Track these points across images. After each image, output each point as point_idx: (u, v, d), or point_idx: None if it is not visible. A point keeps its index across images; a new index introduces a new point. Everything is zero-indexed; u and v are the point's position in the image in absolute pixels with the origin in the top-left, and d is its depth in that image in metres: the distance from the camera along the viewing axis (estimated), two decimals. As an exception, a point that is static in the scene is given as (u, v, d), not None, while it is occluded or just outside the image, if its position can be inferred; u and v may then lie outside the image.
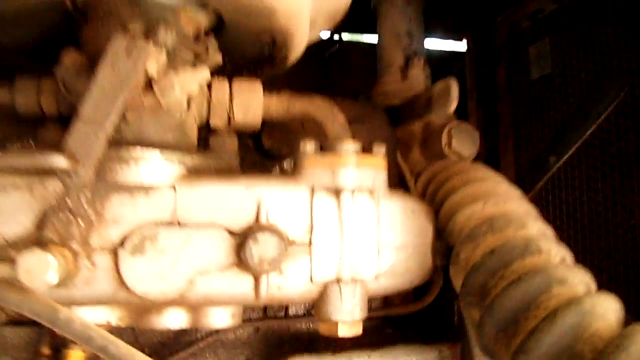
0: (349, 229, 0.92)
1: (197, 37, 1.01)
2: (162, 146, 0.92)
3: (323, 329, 0.94)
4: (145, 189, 0.87)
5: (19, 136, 1.14)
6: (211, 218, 0.88)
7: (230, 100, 1.02)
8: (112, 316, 0.94)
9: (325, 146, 0.94)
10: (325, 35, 1.74)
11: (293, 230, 0.90)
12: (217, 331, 1.21)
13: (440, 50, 2.24)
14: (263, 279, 0.89)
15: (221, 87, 1.03)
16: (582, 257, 1.52)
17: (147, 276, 0.85)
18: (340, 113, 1.01)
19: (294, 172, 0.95)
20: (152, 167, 0.88)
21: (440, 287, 1.18)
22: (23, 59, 1.14)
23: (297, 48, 1.10)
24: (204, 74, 0.92)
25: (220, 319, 0.98)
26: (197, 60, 0.98)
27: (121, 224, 0.85)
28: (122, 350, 0.75)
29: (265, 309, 1.28)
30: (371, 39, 2.03)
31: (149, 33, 0.88)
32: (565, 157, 1.39)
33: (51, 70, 0.99)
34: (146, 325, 0.95)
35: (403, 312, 1.24)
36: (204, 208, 0.88)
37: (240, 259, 0.86)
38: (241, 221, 0.89)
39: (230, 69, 1.12)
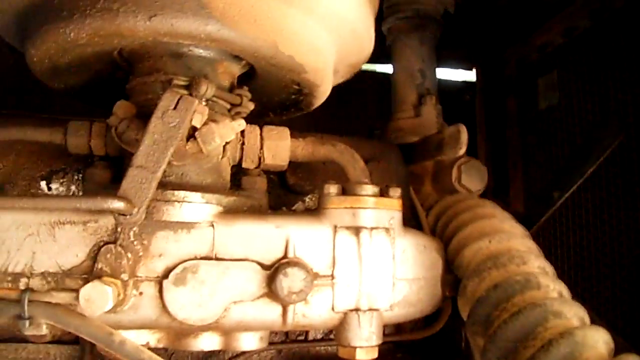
0: (367, 264, 1.02)
1: (231, 88, 1.12)
2: (201, 187, 1.03)
3: (342, 353, 1.04)
4: (187, 227, 0.98)
5: (66, 171, 1.26)
6: (245, 252, 0.98)
7: (261, 144, 1.13)
8: (152, 338, 1.04)
9: (347, 189, 1.05)
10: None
11: (317, 265, 1.01)
12: (243, 353, 1.30)
13: (452, 81, 2.32)
14: (290, 308, 0.99)
15: (253, 132, 1.14)
16: (589, 286, 1.59)
17: (188, 304, 0.95)
18: (360, 159, 1.11)
19: (318, 211, 1.05)
20: (193, 207, 0.98)
21: (449, 315, 1.27)
22: (75, 101, 1.25)
23: (322, 96, 1.20)
24: (241, 125, 1.03)
25: (250, 342, 1.07)
26: (232, 109, 1.09)
27: (165, 258, 0.96)
28: (168, 371, 0.85)
29: (287, 333, 1.38)
30: (385, 68, 2.12)
31: (192, 86, 0.99)
32: (568, 193, 1.48)
33: (99, 111, 1.10)
34: (183, 347, 1.05)
35: (414, 338, 1.33)
36: (239, 243, 0.99)
37: (271, 290, 0.96)
38: (271, 256, 0.99)
39: (259, 110, 1.23)
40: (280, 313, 0.99)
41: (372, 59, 2.08)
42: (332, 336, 1.38)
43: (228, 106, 1.09)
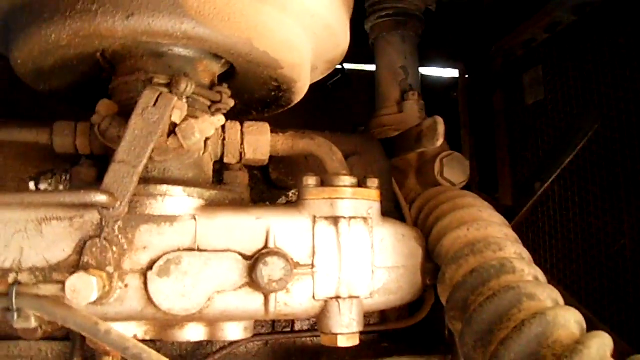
0: (346, 253, 1.05)
1: (211, 85, 1.15)
2: (183, 182, 1.06)
3: (325, 340, 1.07)
4: (170, 220, 1.00)
5: (53, 172, 1.29)
6: (226, 244, 1.01)
7: (242, 140, 1.16)
8: (139, 330, 1.07)
9: (325, 180, 1.08)
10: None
11: (297, 254, 1.04)
12: (230, 345, 1.33)
13: (438, 78, 2.34)
14: (272, 297, 1.02)
15: (234, 128, 1.17)
16: (577, 277, 1.61)
17: (172, 295, 0.98)
18: (338, 151, 1.14)
19: (297, 203, 1.08)
20: (175, 200, 1.01)
21: (431, 305, 1.30)
22: (59, 103, 1.28)
23: (300, 91, 1.23)
24: (220, 120, 1.06)
25: (234, 332, 1.10)
26: (213, 105, 1.12)
27: (149, 250, 0.99)
28: (153, 358, 0.88)
29: (273, 324, 1.40)
30: (371, 67, 2.15)
31: (172, 84, 1.02)
32: (548, 183, 1.50)
33: (83, 112, 1.13)
34: (169, 338, 1.08)
35: (398, 327, 1.35)
36: (221, 235, 1.01)
37: (252, 279, 0.99)
38: (252, 246, 1.02)
39: (240, 108, 1.26)
40: (262, 302, 1.02)
41: (359, 59, 2.15)
42: (317, 327, 1.40)
43: (208, 103, 1.12)
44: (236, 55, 1.05)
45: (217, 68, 1.16)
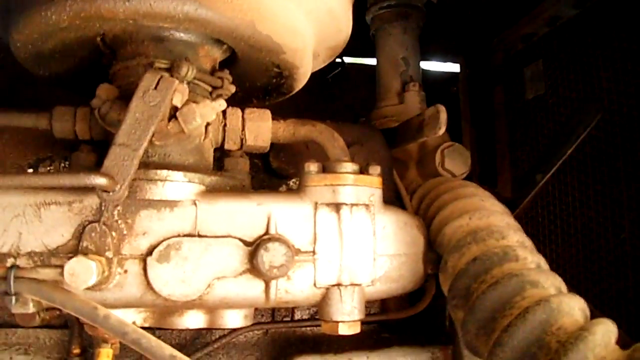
0: (347, 240, 1.04)
1: (212, 71, 1.14)
2: (184, 167, 1.05)
3: (325, 328, 1.06)
4: (170, 205, 0.99)
5: (52, 159, 1.28)
6: (227, 230, 1.00)
7: (243, 126, 1.15)
8: (138, 317, 1.06)
9: (327, 167, 1.07)
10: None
11: (299, 241, 1.03)
12: (229, 334, 1.32)
13: (438, 72, 2.34)
14: (272, 284, 1.01)
15: (235, 114, 1.16)
16: (576, 271, 1.61)
17: (171, 281, 0.97)
18: (340, 137, 1.13)
19: (299, 189, 1.07)
20: (175, 185, 1.00)
21: (432, 295, 1.29)
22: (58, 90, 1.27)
23: (302, 78, 1.22)
24: (221, 105, 1.05)
25: (234, 320, 1.09)
26: (214, 91, 1.11)
27: (149, 235, 0.98)
28: (152, 343, 0.87)
29: (273, 313, 1.39)
30: (371, 61, 2.14)
31: (173, 69, 1.01)
32: (549, 174, 1.49)
33: (83, 99, 1.12)
34: (168, 325, 1.07)
35: (399, 317, 1.34)
36: (221, 221, 1.00)
37: (253, 266, 0.98)
38: (253, 232, 1.01)
39: (241, 96, 1.25)
40: (262, 289, 1.01)
41: (359, 53, 2.14)
42: (317, 317, 1.39)
43: (209, 89, 1.11)
44: (238, 39, 1.04)
45: (218, 54, 1.15)
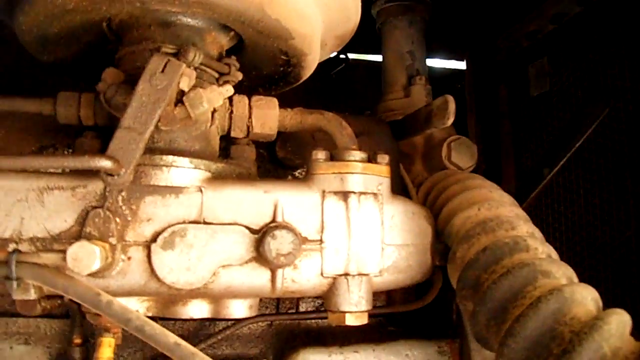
0: (355, 229, 1.02)
1: (219, 57, 1.12)
2: (190, 153, 1.03)
3: (332, 319, 1.04)
4: (176, 191, 0.98)
5: (56, 147, 1.26)
6: (233, 217, 0.98)
7: (250, 113, 1.14)
8: (141, 306, 1.04)
9: (335, 155, 1.05)
10: (332, 55, 1.84)
11: (306, 229, 1.01)
12: (233, 325, 1.30)
13: (442, 69, 2.33)
14: (279, 273, 0.99)
15: (242, 102, 1.14)
16: (581, 269, 1.60)
17: (176, 268, 0.95)
18: (348, 126, 1.12)
19: (306, 177, 1.06)
20: (181, 171, 0.99)
21: (439, 288, 1.27)
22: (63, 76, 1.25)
23: (310, 67, 1.21)
24: (229, 91, 1.03)
25: (239, 310, 1.07)
26: (221, 78, 1.09)
27: (154, 222, 0.96)
28: (156, 330, 0.85)
29: (277, 305, 1.38)
30: (375, 58, 2.13)
31: (180, 53, 0.99)
32: (557, 168, 1.48)
33: (88, 86, 1.10)
34: (172, 315, 1.05)
35: (405, 310, 1.33)
36: (227, 208, 0.99)
37: (259, 254, 0.96)
38: (260, 220, 0.99)
39: (247, 85, 1.24)
40: (269, 278, 0.99)
41: (363, 49, 2.12)
42: (322, 309, 1.38)
43: (216, 75, 1.09)
44: (246, 23, 1.02)
45: (225, 40, 1.13)
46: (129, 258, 0.95)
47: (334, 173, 1.03)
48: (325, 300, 1.04)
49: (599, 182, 1.58)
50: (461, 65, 2.34)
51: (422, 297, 1.29)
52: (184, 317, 1.05)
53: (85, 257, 0.86)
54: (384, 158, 1.07)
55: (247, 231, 0.98)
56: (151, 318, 0.88)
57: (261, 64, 1.20)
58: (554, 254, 1.01)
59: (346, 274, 1.02)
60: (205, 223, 0.97)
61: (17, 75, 1.47)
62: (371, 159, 1.06)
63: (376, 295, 1.09)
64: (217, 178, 1.03)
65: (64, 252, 0.88)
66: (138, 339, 0.89)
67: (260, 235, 0.97)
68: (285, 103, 1.19)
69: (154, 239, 0.95)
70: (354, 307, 1.02)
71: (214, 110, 1.08)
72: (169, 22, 1.06)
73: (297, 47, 1.11)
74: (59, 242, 0.94)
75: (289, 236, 0.96)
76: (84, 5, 0.96)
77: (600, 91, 1.58)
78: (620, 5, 1.54)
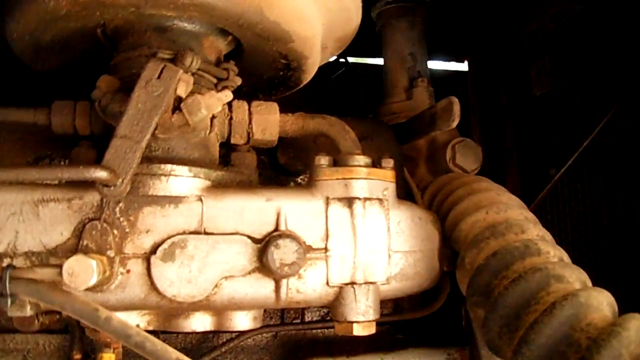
0: (361, 236, 0.99)
1: (218, 62, 1.09)
2: (189, 162, 1.00)
3: (339, 329, 1.01)
4: (175, 201, 0.95)
5: (52, 157, 1.23)
6: (235, 226, 0.95)
7: (250, 119, 1.11)
8: (142, 320, 1.02)
9: (338, 160, 1.02)
10: (332, 59, 1.82)
11: (310, 238, 0.98)
12: (237, 337, 1.28)
13: (443, 71, 2.31)
14: (283, 283, 0.96)
15: (241, 107, 1.11)
16: (588, 271, 1.57)
17: (176, 280, 0.92)
18: (351, 130, 1.09)
19: (309, 184, 1.03)
20: (180, 180, 0.96)
21: (447, 294, 1.24)
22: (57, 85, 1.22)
23: (310, 70, 1.18)
24: (227, 96, 1.00)
25: (243, 322, 1.04)
26: (219, 83, 1.06)
27: (153, 233, 0.93)
28: (157, 347, 0.81)
29: (282, 315, 1.35)
30: (375, 61, 2.11)
31: (177, 59, 0.97)
32: (564, 168, 1.46)
33: (83, 94, 1.08)
34: (174, 328, 1.02)
35: (413, 317, 1.30)
36: (228, 217, 0.96)
37: (262, 264, 0.93)
38: (262, 229, 0.96)
39: (247, 91, 1.21)
40: (273, 289, 0.96)
41: (363, 53, 2.10)
42: (328, 318, 1.35)
43: (214, 80, 1.07)
44: (245, 26, 1.00)
45: (223, 45, 1.11)
46: (127, 271, 0.92)
47: (337, 179, 1.00)
48: (331, 310, 1.01)
49: (605, 182, 1.56)
50: (462, 67, 2.33)
51: (430, 304, 1.26)
52: (186, 330, 1.03)
53: (82, 271, 0.83)
54: (388, 162, 1.04)
55: (249, 241, 0.95)
56: (152, 332, 0.86)
57: (260, 69, 1.17)
58: (566, 257, 0.98)
59: (353, 283, 0.98)
60: (206, 233, 0.94)
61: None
62: (376, 164, 1.04)
63: (383, 302, 1.06)
64: (218, 186, 1.00)
65: (60, 266, 0.85)
66: (139, 354, 0.86)
67: (263, 244, 0.94)
68: (284, 109, 1.17)
69: (153, 250, 0.92)
70: (362, 317, 0.99)
71: (213, 117, 1.05)
72: (165, 27, 1.03)
73: (297, 50, 1.08)
74: (55, 256, 0.91)
75: (293, 245, 0.93)
76: (76, 11, 0.94)
77: (605, 90, 1.56)
78: (620, 2, 1.52)
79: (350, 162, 1.01)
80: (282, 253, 0.92)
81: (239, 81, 1.10)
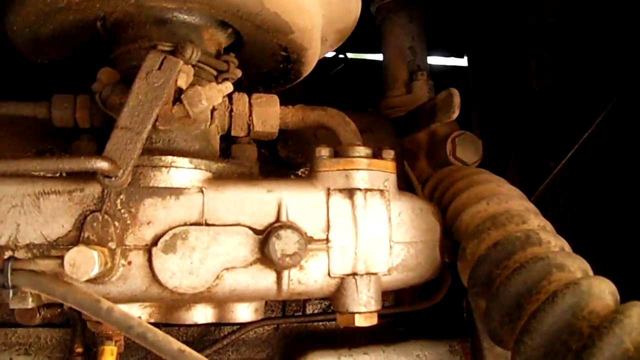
0: (362, 227, 0.99)
1: (218, 55, 1.09)
2: (189, 153, 1.00)
3: (341, 320, 1.01)
4: (176, 193, 0.95)
5: (52, 151, 1.23)
6: (236, 218, 0.95)
7: (250, 111, 1.11)
8: (143, 312, 1.01)
9: (339, 151, 1.02)
10: (331, 54, 1.82)
11: (311, 229, 0.98)
12: (239, 329, 1.27)
13: (442, 66, 2.31)
14: (285, 274, 0.96)
15: (241, 100, 1.11)
16: (589, 263, 1.57)
17: (178, 272, 0.92)
18: (352, 121, 1.09)
19: (310, 175, 1.03)
20: (181, 172, 0.96)
21: (449, 286, 1.24)
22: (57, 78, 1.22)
23: (310, 62, 1.18)
24: (228, 88, 1.00)
25: (244, 314, 1.04)
26: (219, 75, 1.06)
27: (154, 225, 0.93)
28: (159, 337, 0.81)
29: (284, 308, 1.35)
30: (375, 57, 2.11)
31: (177, 51, 0.96)
32: (563, 161, 1.45)
33: (83, 88, 1.07)
34: (175, 320, 1.02)
35: (415, 309, 1.29)
36: (229, 208, 0.96)
37: (264, 255, 0.93)
38: (263, 220, 0.96)
39: (246, 84, 1.21)
40: (274, 280, 0.96)
41: (362, 48, 2.10)
42: (330, 311, 1.35)
43: (215, 72, 1.06)
44: (244, 18, 1.00)
45: (222, 38, 1.11)
46: (129, 263, 0.92)
47: (338, 170, 1.00)
48: (333, 301, 1.01)
49: (605, 175, 1.55)
50: (461, 62, 2.32)
51: (432, 296, 1.25)
52: (187, 322, 1.03)
53: (83, 262, 0.83)
54: (389, 154, 1.04)
55: (250, 232, 0.95)
56: (154, 325, 0.85)
57: (260, 61, 1.17)
58: (567, 247, 0.98)
59: (354, 274, 0.98)
60: (207, 225, 0.94)
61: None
62: (376, 155, 1.03)
63: (385, 295, 1.06)
64: (218, 178, 1.00)
65: (61, 258, 0.85)
66: (141, 346, 0.86)
67: (265, 235, 0.94)
68: (283, 104, 1.16)
69: (154, 242, 0.92)
70: (363, 308, 0.99)
71: (214, 109, 1.05)
72: (165, 19, 1.03)
73: (296, 42, 1.08)
74: (57, 248, 0.91)
75: (294, 236, 0.92)
76: (76, 3, 0.94)
77: (604, 83, 1.55)
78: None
79: (351, 153, 1.01)
80: (284, 244, 0.92)
81: (239, 73, 1.09)
